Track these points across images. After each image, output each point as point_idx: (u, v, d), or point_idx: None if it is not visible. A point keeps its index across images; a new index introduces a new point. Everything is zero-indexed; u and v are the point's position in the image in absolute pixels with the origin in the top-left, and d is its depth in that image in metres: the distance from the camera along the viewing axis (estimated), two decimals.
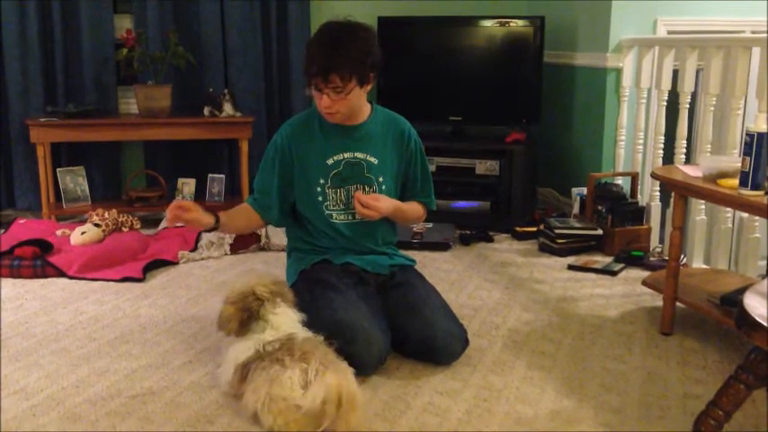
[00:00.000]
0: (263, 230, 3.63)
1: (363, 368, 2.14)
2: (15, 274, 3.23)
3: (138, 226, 3.83)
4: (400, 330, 2.36)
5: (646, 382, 2.29)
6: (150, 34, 4.21)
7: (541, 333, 2.68)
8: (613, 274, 3.35)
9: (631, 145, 3.86)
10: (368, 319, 2.28)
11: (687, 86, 3.42)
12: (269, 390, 1.89)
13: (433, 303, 2.44)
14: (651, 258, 3.47)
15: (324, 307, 2.31)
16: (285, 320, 2.14)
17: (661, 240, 3.71)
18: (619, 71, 3.93)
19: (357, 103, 2.44)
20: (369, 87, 2.43)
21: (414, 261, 2.71)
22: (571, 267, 3.45)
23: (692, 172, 2.61)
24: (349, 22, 2.37)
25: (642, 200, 3.83)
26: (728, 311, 2.43)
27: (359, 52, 2.31)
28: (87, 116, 4.06)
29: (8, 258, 3.26)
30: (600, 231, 3.68)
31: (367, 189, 2.51)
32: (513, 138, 4.16)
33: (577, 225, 3.73)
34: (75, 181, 4.21)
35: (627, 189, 3.84)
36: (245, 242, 3.64)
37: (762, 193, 2.25)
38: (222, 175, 4.40)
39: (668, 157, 3.60)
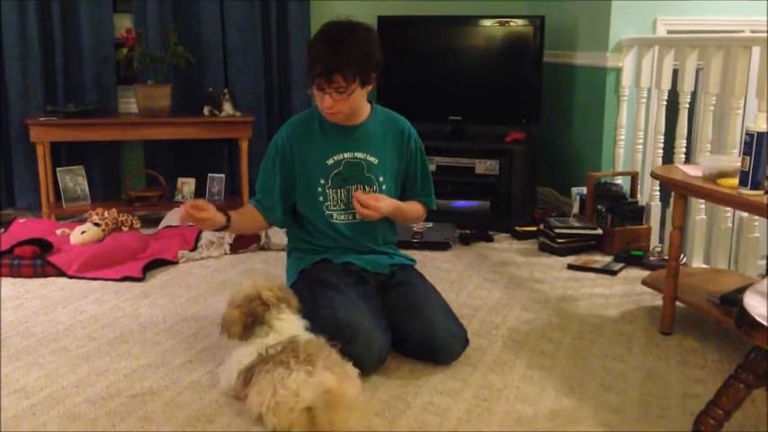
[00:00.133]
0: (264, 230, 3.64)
1: (363, 368, 2.13)
2: (15, 273, 3.23)
3: (138, 225, 3.83)
4: (400, 330, 2.36)
5: (645, 381, 2.29)
6: (150, 34, 4.21)
7: (541, 332, 2.68)
8: (613, 273, 3.35)
9: (631, 144, 3.86)
10: (368, 318, 2.28)
11: (687, 86, 3.42)
12: (273, 392, 1.90)
13: (433, 303, 2.44)
14: (651, 258, 3.48)
15: (324, 306, 2.31)
16: (289, 326, 2.14)
17: (661, 240, 3.71)
18: (618, 71, 3.93)
19: (358, 103, 2.44)
20: (370, 87, 2.43)
21: (414, 260, 2.71)
22: (571, 267, 3.45)
23: (692, 171, 2.61)
24: (350, 21, 2.37)
25: (642, 199, 3.83)
26: (728, 311, 2.43)
27: (361, 52, 2.31)
28: (87, 116, 4.06)
29: (8, 258, 3.26)
30: (600, 231, 3.69)
31: (367, 189, 2.51)
32: (512, 137, 4.16)
33: (577, 225, 3.73)
34: (75, 180, 4.21)
35: (627, 189, 3.84)
36: (244, 242, 3.64)
37: (761, 192, 2.25)
38: (222, 175, 4.40)
39: (668, 157, 3.60)
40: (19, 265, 3.24)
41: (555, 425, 2.02)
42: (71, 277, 3.22)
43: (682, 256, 2.98)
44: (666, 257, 2.88)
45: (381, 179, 2.53)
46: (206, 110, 4.16)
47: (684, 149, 3.46)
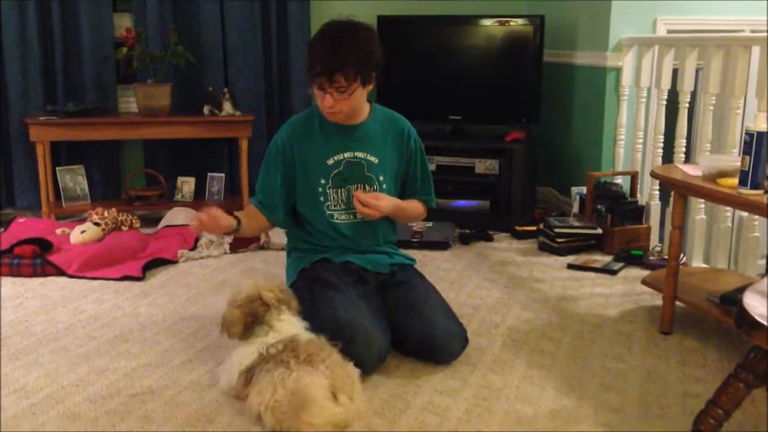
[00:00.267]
0: None
1: (363, 367, 2.13)
2: (15, 272, 3.23)
3: (138, 225, 3.83)
4: (400, 329, 2.36)
5: (645, 381, 2.29)
6: (150, 33, 4.21)
7: (541, 332, 2.68)
8: (613, 273, 3.35)
9: (631, 144, 3.86)
10: (368, 318, 2.28)
11: (687, 85, 3.42)
12: (273, 392, 1.90)
13: (433, 302, 2.44)
14: (651, 257, 3.48)
15: (324, 306, 2.31)
16: (289, 327, 2.14)
17: (660, 239, 3.71)
18: (618, 70, 3.93)
19: (359, 103, 2.44)
20: (370, 87, 2.43)
21: (413, 260, 2.71)
22: (571, 266, 3.45)
23: (692, 171, 2.61)
24: (351, 21, 2.37)
25: (642, 199, 3.83)
26: (728, 310, 2.43)
27: (362, 52, 2.31)
28: (87, 115, 4.06)
29: (8, 257, 3.26)
30: (599, 230, 3.69)
31: (368, 188, 2.51)
32: (512, 137, 4.16)
33: (577, 224, 3.73)
34: (75, 180, 4.21)
35: (626, 188, 3.84)
36: (244, 241, 3.64)
37: (761, 192, 2.25)
38: (222, 174, 4.40)
39: (668, 157, 3.60)
40: (19, 265, 3.24)
41: (555, 424, 2.02)
42: (71, 277, 3.23)
43: (681, 255, 2.98)
44: (666, 257, 2.88)
45: (381, 178, 2.53)
46: (206, 109, 4.16)
47: (684, 149, 3.46)
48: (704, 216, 3.36)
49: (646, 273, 3.19)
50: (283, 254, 2.83)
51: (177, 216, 4.01)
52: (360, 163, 2.51)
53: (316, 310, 2.30)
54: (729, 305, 2.44)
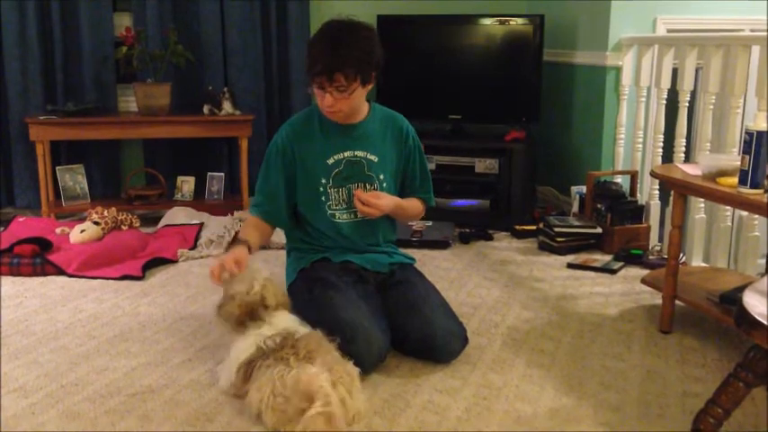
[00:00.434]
0: None
1: (363, 367, 2.13)
2: (15, 271, 3.23)
3: (138, 224, 3.83)
4: (400, 329, 2.36)
5: (645, 380, 2.29)
6: (150, 32, 4.21)
7: (541, 331, 2.68)
8: (613, 272, 3.35)
9: (631, 143, 3.86)
10: (368, 317, 2.28)
11: (686, 85, 3.42)
12: (272, 389, 1.90)
13: (433, 302, 2.44)
14: (650, 257, 3.48)
15: (324, 306, 2.31)
16: (281, 318, 2.15)
17: (660, 239, 3.71)
18: (618, 69, 3.93)
19: (359, 102, 2.44)
20: (370, 86, 2.43)
21: (413, 259, 2.71)
22: (570, 266, 3.45)
23: (692, 170, 2.61)
24: (351, 21, 2.37)
25: (641, 198, 3.83)
26: (728, 310, 2.43)
27: (363, 52, 2.31)
28: (87, 114, 4.06)
29: (8, 256, 3.26)
30: (599, 230, 3.69)
31: (368, 187, 2.52)
32: (512, 136, 4.16)
33: (577, 223, 3.73)
34: (75, 179, 4.21)
35: (626, 187, 3.84)
36: None
37: (761, 191, 2.25)
38: (222, 174, 4.40)
39: (667, 156, 3.60)
40: (18, 264, 3.24)
41: (554, 424, 2.02)
42: (71, 276, 3.22)
43: (681, 254, 2.98)
44: (666, 256, 2.88)
45: (382, 177, 2.54)
46: (206, 109, 4.16)
47: (684, 148, 3.46)
48: (704, 215, 3.36)
49: (645, 272, 3.19)
50: (283, 253, 2.83)
51: (177, 215, 4.01)
52: (360, 162, 2.51)
53: (316, 309, 2.31)
54: (729, 304, 2.44)
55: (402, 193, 2.63)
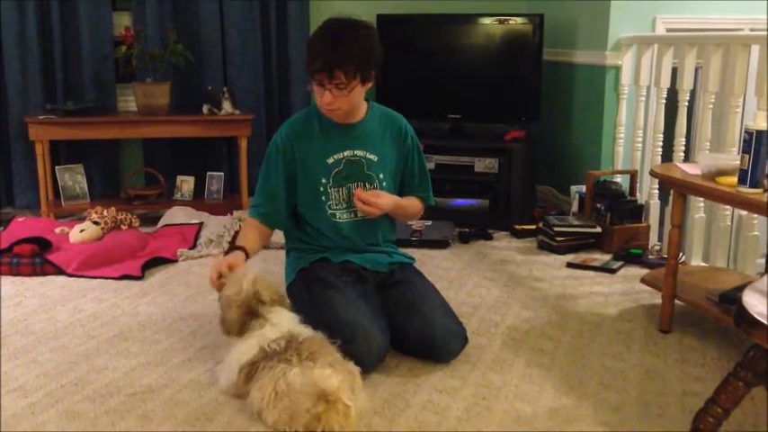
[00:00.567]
0: None
1: (363, 367, 2.13)
2: (14, 271, 3.23)
3: (137, 224, 3.83)
4: (399, 328, 2.36)
5: (644, 379, 2.29)
6: (149, 32, 4.21)
7: (540, 331, 2.68)
8: (612, 271, 3.35)
9: (630, 143, 3.86)
10: (367, 317, 2.28)
11: (686, 84, 3.42)
12: (274, 388, 1.90)
13: (433, 301, 2.44)
14: (650, 256, 3.48)
15: (323, 306, 2.31)
16: (282, 317, 2.15)
17: (660, 238, 3.71)
18: (618, 69, 3.93)
19: (358, 101, 2.44)
20: (369, 85, 2.43)
21: (413, 259, 2.71)
22: (570, 265, 3.45)
23: (691, 170, 2.61)
24: (351, 19, 2.37)
25: (641, 198, 3.83)
26: (727, 309, 2.43)
27: (362, 49, 2.31)
28: (86, 114, 4.06)
29: (7, 256, 3.26)
30: (599, 229, 3.69)
31: (368, 186, 2.51)
32: (512, 136, 4.16)
33: (576, 223, 3.73)
34: (74, 179, 4.21)
35: (626, 187, 3.84)
36: None
37: (760, 190, 2.25)
38: (221, 173, 4.40)
39: (667, 155, 3.60)
40: (18, 264, 3.24)
41: (554, 423, 2.02)
42: (70, 275, 3.22)
43: (681, 254, 2.98)
44: (665, 256, 2.88)
45: (381, 176, 2.54)
46: (205, 108, 4.16)
47: (683, 148, 3.46)
48: (703, 215, 3.36)
49: (645, 271, 3.19)
50: (282, 252, 2.83)
51: (176, 215, 4.01)
52: (359, 161, 2.51)
53: (315, 309, 2.30)
54: (729, 304, 2.44)
55: (401, 192, 2.63)
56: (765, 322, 1.59)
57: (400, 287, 2.49)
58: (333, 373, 1.89)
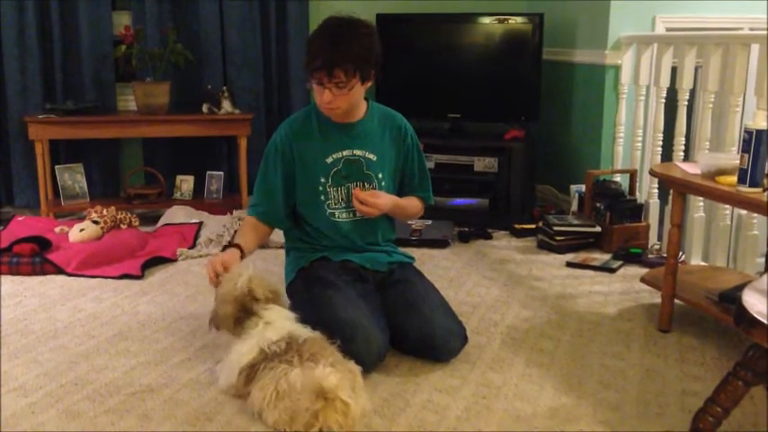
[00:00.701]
0: None
1: (363, 366, 2.13)
2: (14, 271, 3.23)
3: (137, 223, 3.83)
4: (399, 328, 2.36)
5: (644, 379, 2.29)
6: (149, 31, 4.21)
7: (540, 330, 2.68)
8: (612, 271, 3.35)
9: (630, 142, 3.86)
10: (367, 317, 2.28)
11: (686, 83, 3.42)
12: (275, 388, 1.90)
13: (432, 301, 2.44)
14: (650, 255, 3.48)
15: (323, 305, 2.31)
16: (277, 315, 2.15)
17: (659, 237, 3.71)
18: (617, 68, 3.93)
19: (357, 100, 2.44)
20: (369, 84, 2.43)
21: (412, 258, 2.71)
22: (569, 264, 3.45)
23: (691, 169, 2.61)
24: (351, 18, 2.37)
25: (641, 197, 3.83)
26: (727, 308, 2.43)
27: (362, 48, 2.31)
28: (86, 113, 4.06)
29: (7, 255, 3.26)
30: (598, 228, 3.69)
31: (367, 186, 2.51)
32: (511, 135, 4.16)
33: (576, 222, 3.73)
34: (74, 178, 4.21)
35: (625, 186, 3.84)
36: None
37: (760, 190, 2.25)
38: (221, 173, 4.40)
39: (667, 155, 3.60)
40: (18, 263, 3.24)
41: (554, 423, 2.02)
42: (70, 275, 3.22)
43: (680, 253, 2.98)
44: (665, 255, 2.88)
45: (381, 176, 2.53)
46: (205, 107, 4.16)
47: (683, 147, 3.46)
48: (703, 214, 3.36)
49: (644, 271, 3.19)
50: (282, 252, 2.83)
51: (176, 214, 4.01)
52: (359, 161, 2.51)
53: (315, 308, 2.30)
54: (728, 303, 2.44)
55: (401, 191, 2.63)
56: (765, 321, 1.59)
57: (400, 286, 2.49)
58: (332, 371, 1.89)
